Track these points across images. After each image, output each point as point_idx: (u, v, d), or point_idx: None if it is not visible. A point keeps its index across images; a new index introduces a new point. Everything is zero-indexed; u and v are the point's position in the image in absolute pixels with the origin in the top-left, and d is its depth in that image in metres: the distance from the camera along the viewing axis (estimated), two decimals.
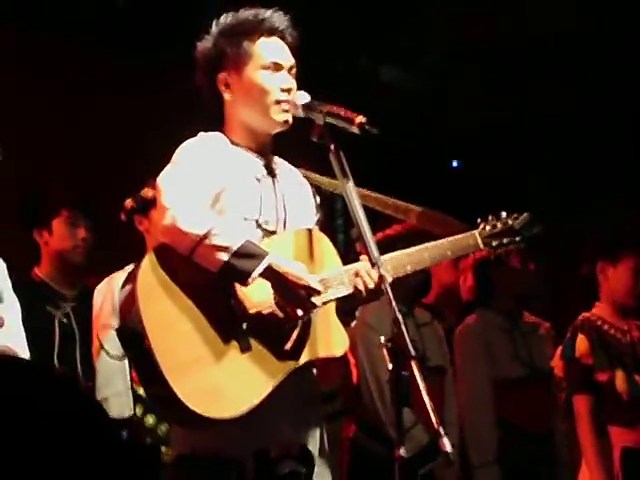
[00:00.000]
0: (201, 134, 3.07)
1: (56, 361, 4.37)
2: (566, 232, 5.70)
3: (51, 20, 5.60)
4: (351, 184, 2.76)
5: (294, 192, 3.15)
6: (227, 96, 3.10)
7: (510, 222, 3.23)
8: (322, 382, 3.16)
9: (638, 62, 6.03)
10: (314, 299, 2.85)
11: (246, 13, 3.12)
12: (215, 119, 3.13)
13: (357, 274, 2.93)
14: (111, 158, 5.62)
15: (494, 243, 3.21)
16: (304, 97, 3.00)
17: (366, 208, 2.81)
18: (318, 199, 3.26)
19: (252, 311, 2.86)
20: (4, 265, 3.57)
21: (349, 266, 2.99)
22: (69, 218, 4.57)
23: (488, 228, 3.21)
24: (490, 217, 3.24)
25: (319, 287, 2.86)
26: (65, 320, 4.48)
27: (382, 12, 5.97)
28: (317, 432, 3.06)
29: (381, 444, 4.29)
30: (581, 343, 4.41)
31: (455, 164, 7.37)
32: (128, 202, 4.30)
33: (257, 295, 2.86)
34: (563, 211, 6.36)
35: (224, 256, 2.76)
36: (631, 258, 4.46)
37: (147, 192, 4.21)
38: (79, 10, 5.64)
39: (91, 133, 5.69)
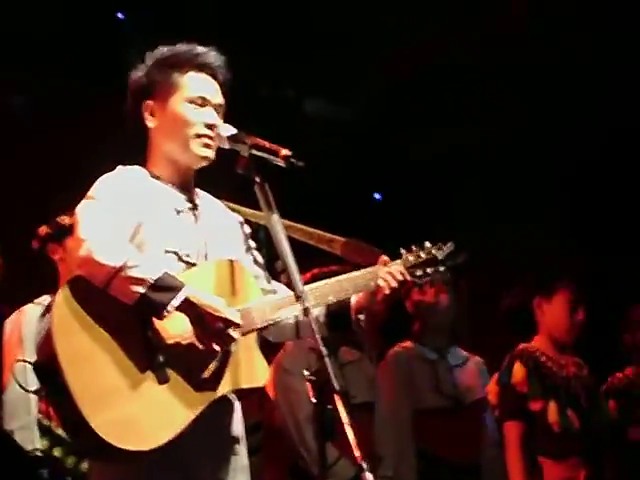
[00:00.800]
0: (119, 167, 3.05)
1: None
2: (489, 262, 5.75)
3: None
4: (276, 216, 2.75)
5: (218, 224, 3.13)
6: (150, 124, 3.09)
7: (434, 252, 3.25)
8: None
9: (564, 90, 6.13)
10: (232, 332, 2.83)
11: (181, 46, 3.12)
12: (137, 151, 3.12)
13: (381, 278, 3.10)
14: (26, 185, 5.54)
15: (418, 273, 3.22)
16: (229, 129, 3.00)
17: (293, 242, 2.82)
18: (247, 228, 3.26)
19: (170, 342, 2.83)
20: None
21: (363, 271, 3.13)
22: None
23: (411, 258, 3.23)
24: (414, 247, 3.25)
25: (237, 320, 2.85)
26: None
27: (311, 43, 6.01)
28: (240, 469, 3.03)
29: None
30: (517, 370, 4.46)
31: (378, 197, 7.41)
32: (43, 229, 4.24)
33: (175, 326, 2.83)
34: (487, 241, 6.43)
35: (140, 289, 2.74)
36: (565, 292, 4.52)
37: (63, 219, 4.15)
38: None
39: (6, 160, 5.60)
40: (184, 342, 2.84)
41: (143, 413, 2.76)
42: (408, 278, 3.17)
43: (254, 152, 2.85)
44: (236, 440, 3.05)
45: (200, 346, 2.83)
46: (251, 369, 2.96)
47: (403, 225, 6.38)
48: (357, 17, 6.00)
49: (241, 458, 3.05)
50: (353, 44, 6.14)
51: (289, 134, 3.19)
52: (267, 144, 2.85)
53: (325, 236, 3.84)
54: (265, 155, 2.84)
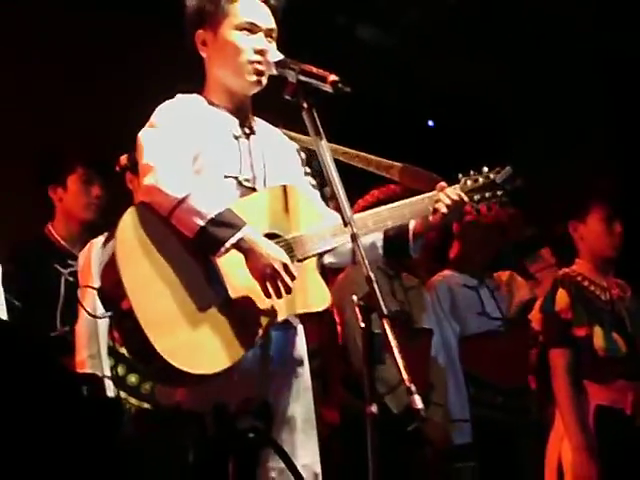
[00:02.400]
0: (178, 96, 3.07)
1: (58, 319, 4.40)
2: (545, 187, 5.70)
3: None
4: (324, 142, 2.75)
5: (275, 150, 3.15)
6: (203, 54, 3.12)
7: (492, 176, 3.20)
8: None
9: None
10: (288, 279, 2.84)
11: None
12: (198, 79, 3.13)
13: (437, 201, 3.08)
14: (125, 117, 5.59)
15: (476, 197, 3.19)
16: (277, 55, 2.99)
17: (342, 169, 2.81)
18: (304, 155, 3.26)
19: (232, 276, 2.86)
20: None
21: (422, 196, 3.12)
22: (84, 176, 4.61)
23: (469, 183, 3.19)
24: (472, 172, 3.22)
25: (294, 271, 2.86)
26: (71, 279, 4.50)
27: None
28: (303, 390, 3.08)
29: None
30: (561, 297, 4.43)
31: (431, 124, 7.36)
32: (122, 159, 4.30)
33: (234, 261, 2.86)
34: (542, 168, 6.38)
35: (200, 222, 2.77)
36: (598, 210, 4.48)
37: None
38: None
39: (104, 94, 5.68)
40: (244, 278, 2.86)
41: (206, 338, 2.80)
42: (465, 199, 3.14)
43: (301, 78, 2.84)
44: (299, 362, 3.09)
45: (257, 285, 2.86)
46: (311, 294, 2.98)
47: (457, 152, 6.35)
48: None
49: (304, 380, 3.10)
50: None
51: (341, 61, 3.16)
52: (314, 69, 2.84)
53: (383, 162, 3.82)
54: (313, 81, 2.82)
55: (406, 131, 6.76)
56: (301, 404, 3.07)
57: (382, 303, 2.49)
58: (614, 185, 4.76)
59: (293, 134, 3.36)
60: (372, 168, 3.74)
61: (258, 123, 3.18)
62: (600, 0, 6.03)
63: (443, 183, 3.17)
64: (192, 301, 2.81)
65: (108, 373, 4.03)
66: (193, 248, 2.84)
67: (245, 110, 3.13)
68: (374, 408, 2.53)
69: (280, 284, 2.83)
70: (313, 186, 3.25)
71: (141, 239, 2.81)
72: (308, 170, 3.25)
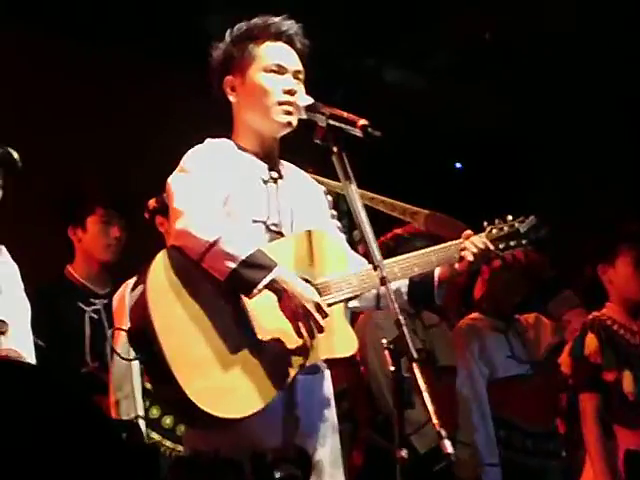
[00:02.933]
0: (208, 140, 3.10)
1: (88, 357, 4.43)
2: (568, 232, 5.70)
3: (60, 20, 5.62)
4: (354, 186, 2.75)
5: (303, 193, 3.17)
6: (232, 99, 3.15)
7: (516, 225, 3.23)
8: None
9: None
10: (320, 319, 2.84)
11: (257, 19, 3.16)
12: (226, 124, 3.17)
13: (463, 249, 3.11)
14: (145, 158, 5.63)
15: (501, 246, 3.21)
16: (307, 99, 3.01)
17: (369, 210, 2.83)
18: (330, 198, 3.28)
19: (261, 316, 2.87)
20: (16, 267, 3.59)
21: (448, 243, 3.14)
22: (103, 217, 4.66)
23: (495, 231, 3.21)
24: (497, 220, 3.24)
25: (326, 308, 2.87)
26: (96, 316, 4.54)
27: (388, 12, 5.98)
28: (330, 434, 3.07)
29: (393, 442, 4.30)
30: (590, 342, 4.41)
31: (458, 166, 7.37)
32: (151, 202, 4.35)
33: (266, 304, 2.86)
34: (564, 211, 6.36)
35: (232, 264, 2.78)
36: (627, 254, 4.46)
37: None
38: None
39: (122, 133, 5.73)
40: (277, 317, 2.87)
41: (236, 382, 2.80)
42: (491, 247, 3.16)
43: (331, 122, 2.85)
44: (326, 406, 3.09)
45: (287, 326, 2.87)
46: (338, 339, 2.98)
47: (484, 195, 6.36)
48: None
49: (331, 423, 3.09)
50: (428, 13, 6.10)
51: (369, 104, 3.18)
52: (345, 114, 2.85)
53: (409, 209, 3.84)
54: (342, 125, 2.83)
55: (434, 174, 6.77)
56: (328, 448, 3.06)
57: (412, 347, 2.49)
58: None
59: (320, 178, 3.39)
60: (397, 214, 3.75)
61: (286, 167, 3.20)
62: (622, 43, 6.03)
63: (469, 231, 3.19)
64: (223, 344, 2.82)
65: (142, 413, 4.04)
66: (223, 291, 2.85)
67: (273, 154, 3.15)
68: (404, 452, 2.52)
69: (312, 324, 2.84)
70: (339, 229, 3.27)
71: (172, 281, 2.82)
72: (335, 213, 3.26)
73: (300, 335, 2.85)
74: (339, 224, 3.27)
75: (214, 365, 2.79)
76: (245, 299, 2.85)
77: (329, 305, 2.93)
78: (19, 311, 3.55)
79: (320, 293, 2.94)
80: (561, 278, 5.30)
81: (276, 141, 3.15)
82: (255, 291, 2.80)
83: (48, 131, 5.46)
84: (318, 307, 2.84)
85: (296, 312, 2.83)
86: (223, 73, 3.15)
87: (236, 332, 2.84)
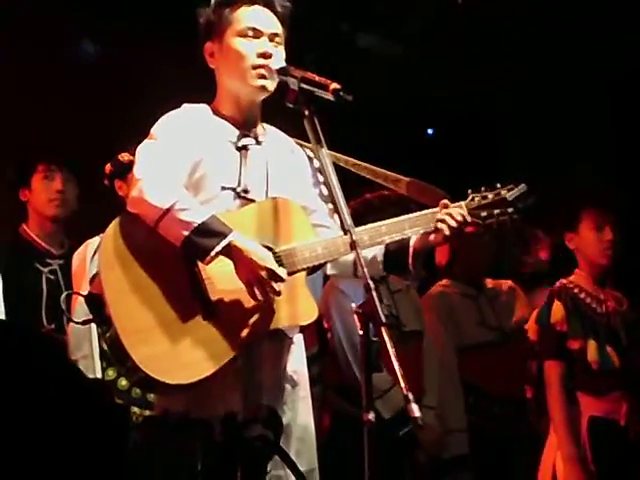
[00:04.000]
0: (184, 106, 3.10)
1: (44, 317, 4.43)
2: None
3: None
4: (325, 150, 2.75)
5: (282, 160, 3.15)
6: (212, 65, 3.14)
7: (503, 193, 3.13)
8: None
9: None
10: (276, 285, 2.85)
11: None
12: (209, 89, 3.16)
13: (440, 220, 3.03)
14: (99, 114, 5.60)
15: (483, 214, 3.11)
16: (279, 62, 3.00)
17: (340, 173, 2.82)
18: (316, 163, 3.25)
19: (216, 281, 2.88)
20: None
21: (423, 212, 3.07)
22: (44, 172, 4.63)
23: (477, 199, 3.13)
24: (483, 188, 3.15)
25: (283, 275, 2.87)
26: (52, 277, 4.53)
27: None
28: (300, 399, 3.09)
29: (359, 407, 4.33)
30: (557, 309, 4.43)
31: (430, 132, 7.37)
32: (107, 167, 4.35)
33: (223, 267, 2.87)
34: (537, 179, 6.38)
35: (185, 232, 2.80)
36: (589, 219, 4.49)
37: (124, 156, 4.25)
38: None
39: (84, 97, 5.68)
40: (232, 287, 2.88)
41: (185, 347, 2.82)
42: (468, 219, 3.08)
43: (303, 85, 2.84)
44: (295, 372, 3.10)
45: (244, 291, 2.87)
46: (298, 307, 2.99)
47: (456, 161, 6.37)
48: None
49: (301, 389, 3.11)
50: None
51: (342, 68, 3.16)
52: (316, 77, 2.84)
53: (390, 175, 3.84)
54: (314, 88, 2.82)
55: (405, 140, 6.77)
56: (298, 413, 3.08)
57: (380, 311, 2.50)
58: (608, 194, 4.75)
59: (305, 143, 3.37)
60: (380, 180, 3.75)
61: (268, 132, 3.18)
62: (600, 14, 6.03)
63: (446, 201, 3.11)
64: (173, 311, 2.84)
65: (100, 375, 4.05)
66: (179, 257, 2.86)
67: (253, 119, 3.14)
68: (371, 416, 2.53)
69: (268, 288, 2.84)
70: (322, 196, 3.25)
71: (123, 250, 2.85)
72: (321, 179, 3.24)
73: (256, 299, 2.85)
74: (325, 191, 3.24)
75: (162, 331, 2.81)
76: (201, 265, 2.86)
77: (290, 274, 2.93)
78: None
79: (282, 261, 2.95)
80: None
81: (256, 105, 3.13)
82: (208, 257, 2.81)
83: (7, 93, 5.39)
84: (272, 273, 2.84)
85: (250, 278, 2.84)
86: (204, 39, 3.15)
87: (189, 298, 2.86)
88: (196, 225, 2.79)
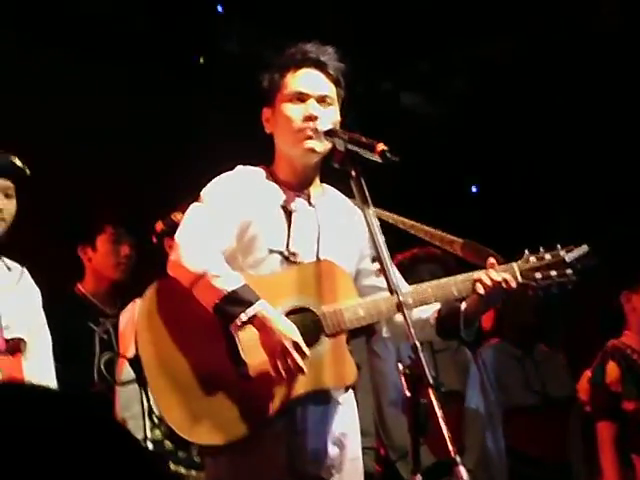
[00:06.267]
0: (238, 168, 3.13)
1: (96, 377, 4.43)
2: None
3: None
4: (371, 210, 2.75)
5: (336, 222, 3.14)
6: (268, 130, 3.16)
7: (562, 254, 3.03)
8: None
9: None
10: (298, 359, 2.83)
11: (291, 49, 3.16)
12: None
13: (477, 280, 2.96)
14: (157, 176, 5.62)
15: (537, 275, 3.02)
16: (326, 124, 3.01)
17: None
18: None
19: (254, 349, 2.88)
20: (39, 292, 3.62)
21: (467, 274, 3.01)
22: (113, 235, 4.67)
23: (532, 260, 3.04)
24: (541, 249, 3.05)
25: (305, 349, 2.85)
26: (105, 336, 4.55)
27: (405, 37, 6.00)
28: (349, 461, 3.06)
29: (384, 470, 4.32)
30: (612, 370, 4.40)
31: (475, 189, 7.37)
32: (158, 225, 4.36)
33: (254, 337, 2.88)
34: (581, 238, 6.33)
35: (216, 299, 2.83)
36: None
37: (176, 215, 4.25)
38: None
39: (136, 151, 5.71)
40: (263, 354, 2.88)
41: (219, 409, 2.84)
42: (512, 285, 2.97)
43: (350, 146, 2.85)
44: (343, 434, 3.06)
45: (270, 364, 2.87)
46: (337, 369, 2.98)
47: (500, 217, 6.35)
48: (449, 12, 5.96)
49: (349, 451, 3.07)
50: (448, 38, 6.11)
51: (386, 128, 3.17)
52: (363, 138, 2.85)
53: (446, 237, 3.84)
54: (361, 149, 2.83)
55: (450, 197, 6.76)
56: (344, 476, 3.05)
57: (428, 372, 2.48)
58: None
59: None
60: (436, 241, 3.75)
61: (326, 194, 3.18)
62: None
63: (492, 260, 3.04)
64: (207, 373, 2.87)
65: (149, 435, 4.04)
66: (216, 321, 2.88)
67: (307, 182, 3.14)
68: (418, 478, 2.51)
69: (290, 362, 2.83)
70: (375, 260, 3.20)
71: (162, 310, 2.91)
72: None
73: (277, 372, 2.84)
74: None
75: (195, 393, 2.85)
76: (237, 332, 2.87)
77: (334, 335, 2.94)
78: (41, 338, 3.59)
79: (322, 323, 2.95)
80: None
81: (310, 168, 3.13)
82: (234, 326, 2.82)
83: (59, 147, 5.44)
84: (296, 345, 2.83)
85: (274, 349, 2.84)
86: (263, 104, 3.18)
87: (224, 362, 2.88)
88: (225, 293, 2.82)
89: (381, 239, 2.71)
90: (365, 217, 2.76)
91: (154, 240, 4.38)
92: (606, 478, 4.33)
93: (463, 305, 3.06)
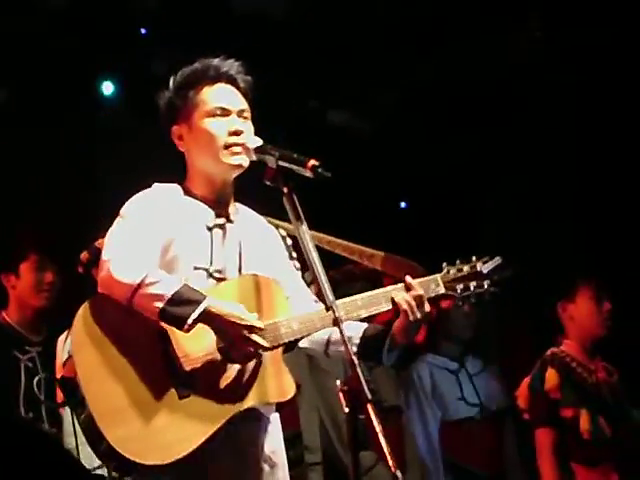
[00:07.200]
0: (155, 185, 3.09)
1: (22, 406, 4.37)
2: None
3: None
4: (305, 227, 2.74)
5: (255, 238, 3.14)
6: (181, 148, 3.13)
7: (478, 266, 3.09)
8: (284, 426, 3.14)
9: None
10: (257, 338, 2.82)
11: (195, 65, 3.14)
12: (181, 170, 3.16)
13: (395, 301, 2.96)
14: (80, 204, 5.57)
15: (459, 287, 3.08)
16: (256, 141, 3.00)
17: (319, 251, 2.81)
18: (290, 241, 3.25)
19: (192, 358, 2.85)
20: None
21: (390, 287, 3.00)
22: (36, 263, 4.61)
23: (452, 272, 3.10)
24: (458, 261, 3.12)
25: (260, 324, 2.85)
26: (30, 364, 4.49)
27: (332, 56, 6.03)
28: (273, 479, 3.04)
29: None
30: (551, 377, 4.44)
31: (403, 205, 7.41)
32: (84, 255, 4.31)
33: (199, 343, 2.86)
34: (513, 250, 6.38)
35: (159, 304, 2.78)
36: (586, 290, 4.51)
37: (101, 243, 4.20)
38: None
39: (58, 179, 5.66)
40: (207, 359, 2.86)
41: (161, 427, 2.79)
42: (426, 308, 3.00)
43: (281, 163, 2.84)
44: (273, 452, 3.05)
45: (219, 358, 2.86)
46: (277, 383, 2.97)
47: (430, 232, 6.39)
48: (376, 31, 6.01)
49: (279, 469, 3.06)
50: (373, 56, 6.15)
51: (314, 145, 3.18)
52: (294, 155, 2.84)
53: (366, 251, 3.84)
54: (292, 166, 2.82)
55: (379, 214, 6.79)
56: None
57: (366, 388, 2.48)
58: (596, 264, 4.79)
59: (278, 222, 3.36)
60: (355, 257, 3.75)
61: (239, 211, 3.17)
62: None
63: (408, 278, 3.04)
64: (147, 390, 2.82)
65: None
66: (151, 336, 2.84)
67: (225, 199, 3.12)
68: None
69: (250, 344, 2.82)
70: (296, 273, 3.25)
71: (95, 331, 2.84)
72: (295, 255, 3.23)
73: (241, 361, 2.83)
74: (298, 265, 3.23)
75: (136, 411, 2.79)
76: (174, 340, 2.84)
77: (272, 349, 2.92)
78: None
79: (264, 336, 2.91)
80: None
81: (228, 185, 3.12)
82: (186, 326, 2.78)
83: None
84: (251, 327, 2.82)
85: (233, 337, 2.82)
86: (170, 122, 3.14)
87: (164, 376, 2.83)
88: (169, 296, 2.77)
89: (315, 255, 2.70)
90: (299, 233, 2.74)
91: (80, 270, 4.32)
92: None
93: (394, 327, 3.04)
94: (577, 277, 4.58)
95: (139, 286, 2.78)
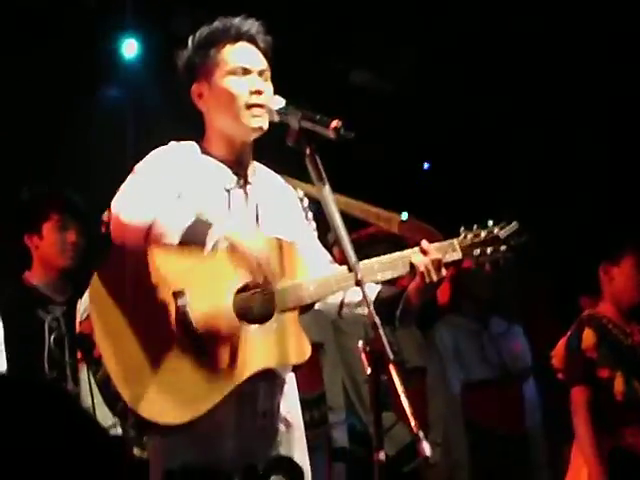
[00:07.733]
0: (171, 143, 3.06)
1: (46, 366, 4.40)
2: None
3: None
4: (327, 188, 2.72)
5: (272, 200, 3.12)
6: (201, 106, 3.11)
7: (496, 231, 3.08)
8: (304, 388, 3.15)
9: None
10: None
11: (217, 22, 3.12)
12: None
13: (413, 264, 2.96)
14: (104, 163, 5.55)
15: (475, 252, 3.07)
16: (279, 102, 2.98)
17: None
18: (306, 202, 3.24)
19: (208, 317, 2.86)
20: None
21: (407, 251, 2.99)
22: (59, 222, 4.60)
23: (470, 237, 3.09)
24: (475, 226, 3.11)
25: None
26: (55, 325, 4.50)
27: (354, 15, 5.98)
28: (296, 440, 3.06)
29: (364, 447, 4.32)
30: (588, 336, 4.45)
31: (426, 166, 7.38)
32: (106, 215, 4.30)
33: (215, 302, 2.87)
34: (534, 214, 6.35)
35: (175, 240, 2.76)
36: (632, 257, 4.52)
37: None
38: None
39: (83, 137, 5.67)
40: (226, 320, 2.86)
41: (177, 387, 2.80)
42: (442, 272, 3.00)
43: (304, 124, 2.82)
44: (289, 412, 3.06)
45: (243, 319, 2.86)
46: (296, 344, 2.97)
47: (452, 194, 6.37)
48: None
49: (295, 430, 3.07)
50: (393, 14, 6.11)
51: (335, 106, 3.16)
52: (317, 116, 2.82)
53: (382, 214, 3.81)
54: (315, 127, 2.80)
55: (402, 175, 6.76)
56: (294, 454, 3.04)
57: (389, 349, 2.47)
58: None
59: (297, 182, 3.35)
60: (372, 219, 3.73)
61: (258, 171, 3.15)
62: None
63: (424, 242, 3.03)
64: (163, 350, 2.82)
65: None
66: (165, 294, 2.84)
67: (244, 159, 3.11)
68: (382, 455, 2.50)
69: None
70: (313, 235, 3.24)
71: (111, 290, 2.84)
72: (310, 215, 3.23)
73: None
74: (314, 229, 3.23)
75: (152, 371, 2.80)
76: (187, 299, 2.83)
77: (283, 311, 2.92)
78: None
79: (274, 299, 2.94)
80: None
81: (248, 145, 3.11)
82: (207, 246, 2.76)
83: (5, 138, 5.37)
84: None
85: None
86: (189, 81, 3.12)
87: (178, 335, 2.84)
88: (183, 232, 2.75)
89: (338, 217, 2.68)
90: (321, 195, 2.72)
91: (104, 230, 4.33)
92: (580, 440, 4.37)
93: (408, 292, 3.05)
94: (624, 241, 4.57)
95: (151, 227, 2.77)
